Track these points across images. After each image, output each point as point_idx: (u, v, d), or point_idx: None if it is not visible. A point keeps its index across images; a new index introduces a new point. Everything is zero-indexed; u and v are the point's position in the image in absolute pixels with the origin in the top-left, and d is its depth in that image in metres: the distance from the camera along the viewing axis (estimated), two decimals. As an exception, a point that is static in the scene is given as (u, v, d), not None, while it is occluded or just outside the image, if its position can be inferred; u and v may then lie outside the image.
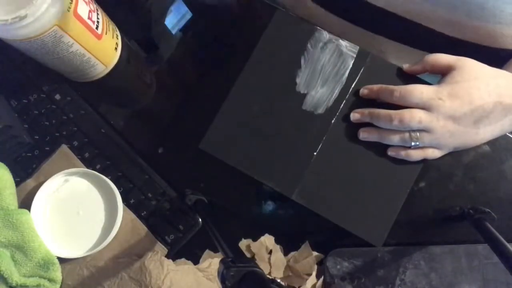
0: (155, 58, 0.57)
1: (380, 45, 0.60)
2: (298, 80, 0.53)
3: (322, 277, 0.53)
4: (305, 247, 0.54)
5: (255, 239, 0.55)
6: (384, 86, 0.50)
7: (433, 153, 0.50)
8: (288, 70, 0.53)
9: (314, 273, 0.53)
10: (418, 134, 0.48)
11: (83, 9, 0.47)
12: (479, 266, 0.52)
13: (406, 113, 0.47)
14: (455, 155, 0.54)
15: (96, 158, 0.56)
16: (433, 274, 0.52)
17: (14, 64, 0.60)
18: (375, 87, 0.51)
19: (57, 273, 0.53)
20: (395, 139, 0.49)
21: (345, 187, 0.51)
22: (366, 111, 0.51)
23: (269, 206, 0.55)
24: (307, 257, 0.54)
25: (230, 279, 0.36)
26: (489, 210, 0.51)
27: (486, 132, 0.48)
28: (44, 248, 0.53)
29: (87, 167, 0.56)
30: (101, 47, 0.53)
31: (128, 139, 0.57)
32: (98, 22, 0.50)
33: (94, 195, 0.55)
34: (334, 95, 0.53)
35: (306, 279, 0.53)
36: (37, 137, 0.58)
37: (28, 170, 0.57)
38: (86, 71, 0.55)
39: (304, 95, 0.53)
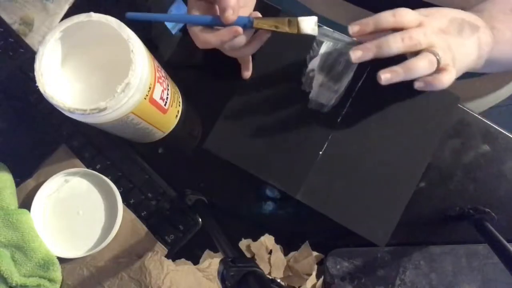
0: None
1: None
2: (303, 79, 0.53)
3: (322, 277, 0.53)
4: (305, 247, 0.54)
5: (255, 239, 0.55)
6: (375, 17, 0.46)
7: (452, 73, 0.47)
8: (293, 68, 0.53)
9: (314, 273, 0.53)
10: (435, 49, 0.45)
11: (158, 92, 0.47)
12: (479, 266, 0.52)
13: (411, 30, 0.45)
14: (455, 155, 0.54)
15: (96, 158, 0.56)
16: (433, 274, 0.52)
17: (15, 65, 0.60)
18: (365, 21, 0.47)
19: (57, 273, 0.53)
20: (422, 63, 0.45)
21: (350, 187, 0.51)
22: (370, 45, 0.46)
23: (269, 206, 0.55)
24: (307, 257, 0.54)
25: (230, 279, 0.36)
26: (489, 210, 0.51)
27: (470, 45, 0.48)
28: (44, 248, 0.53)
29: (87, 167, 0.56)
30: (165, 120, 0.53)
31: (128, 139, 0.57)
32: (167, 98, 0.50)
33: (94, 195, 0.55)
34: (340, 93, 0.52)
35: (306, 279, 0.53)
36: (37, 137, 0.58)
37: (28, 170, 0.57)
38: (144, 138, 0.55)
39: (310, 94, 0.53)
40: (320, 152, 0.52)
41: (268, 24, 0.46)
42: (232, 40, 0.46)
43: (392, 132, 0.52)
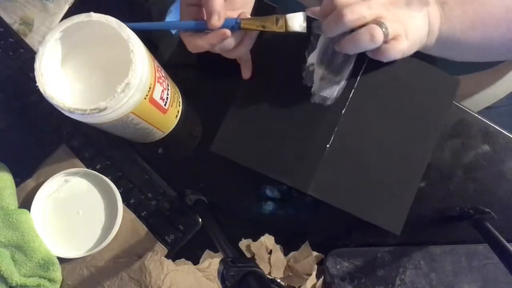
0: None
1: None
2: (304, 74, 0.53)
3: (322, 277, 0.53)
4: (305, 247, 0.54)
5: (255, 239, 0.55)
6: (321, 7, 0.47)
7: (402, 43, 0.47)
8: (293, 65, 0.53)
9: (314, 273, 0.53)
10: (382, 20, 0.45)
11: (158, 92, 0.47)
12: (479, 266, 0.52)
13: (354, 4, 0.44)
14: (455, 155, 0.54)
15: (96, 158, 0.56)
16: (433, 274, 0.52)
17: (15, 65, 0.60)
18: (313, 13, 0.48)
19: (57, 273, 0.53)
20: (363, 36, 0.45)
21: (359, 178, 0.51)
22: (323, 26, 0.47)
23: (269, 206, 0.55)
24: (307, 257, 0.54)
25: (230, 279, 0.36)
26: (489, 210, 0.52)
27: (419, 18, 0.48)
28: (44, 248, 0.53)
29: (87, 167, 0.56)
30: (165, 120, 0.53)
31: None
32: (167, 98, 0.50)
33: (94, 195, 0.55)
34: (342, 85, 0.52)
35: (306, 279, 0.53)
36: (37, 137, 0.58)
37: (28, 170, 0.57)
38: (144, 138, 0.55)
39: (311, 88, 0.53)
40: (328, 145, 0.52)
41: (255, 24, 0.47)
42: (221, 42, 0.46)
43: (397, 118, 0.52)
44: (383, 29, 0.44)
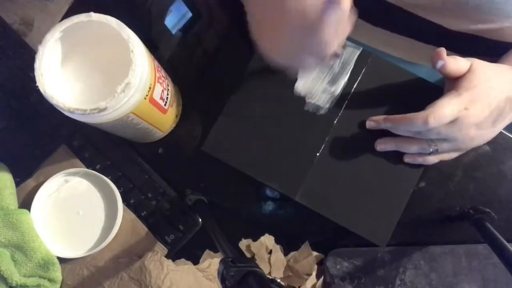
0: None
1: (383, 39, 0.59)
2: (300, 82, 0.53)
3: (322, 277, 0.53)
4: (305, 247, 0.54)
5: (255, 239, 0.55)
6: (408, 116, 0.47)
7: (450, 156, 0.50)
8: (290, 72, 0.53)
9: (314, 273, 0.53)
10: (437, 142, 0.48)
11: (158, 92, 0.47)
12: (479, 266, 0.52)
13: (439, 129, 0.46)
14: (455, 155, 0.54)
15: (96, 158, 0.56)
16: (433, 274, 0.52)
17: (15, 65, 0.60)
18: (392, 118, 0.49)
19: (57, 273, 0.53)
20: (412, 148, 0.49)
21: (348, 188, 0.51)
22: (382, 118, 0.50)
23: (269, 206, 0.55)
24: (307, 257, 0.54)
25: (230, 279, 0.36)
26: (489, 210, 0.51)
27: (500, 128, 0.48)
28: (44, 248, 0.53)
29: (87, 167, 0.56)
30: (165, 120, 0.53)
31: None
32: (167, 98, 0.50)
33: (94, 195, 0.55)
34: (336, 95, 0.52)
35: (306, 279, 0.53)
36: (37, 137, 0.58)
37: (28, 170, 0.57)
38: (144, 138, 0.55)
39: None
40: (318, 154, 0.52)
41: None
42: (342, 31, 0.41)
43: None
44: (430, 150, 0.48)
